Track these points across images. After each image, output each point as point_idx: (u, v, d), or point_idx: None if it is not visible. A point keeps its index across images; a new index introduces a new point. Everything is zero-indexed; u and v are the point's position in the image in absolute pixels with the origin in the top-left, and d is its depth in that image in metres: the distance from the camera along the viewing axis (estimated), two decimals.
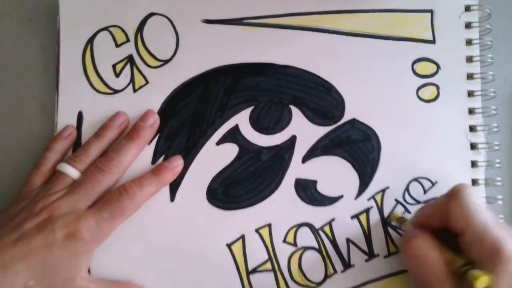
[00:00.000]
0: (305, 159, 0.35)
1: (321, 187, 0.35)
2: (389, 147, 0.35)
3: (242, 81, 0.36)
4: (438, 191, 0.34)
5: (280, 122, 0.36)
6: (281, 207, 0.35)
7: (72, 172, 0.33)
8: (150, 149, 0.35)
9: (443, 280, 0.28)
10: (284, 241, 0.35)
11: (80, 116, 0.36)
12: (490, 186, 0.35)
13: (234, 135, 0.36)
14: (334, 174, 0.35)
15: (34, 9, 0.38)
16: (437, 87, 0.36)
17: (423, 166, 0.35)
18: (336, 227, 0.35)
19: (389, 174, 0.35)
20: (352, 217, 0.35)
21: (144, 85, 0.36)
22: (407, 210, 0.35)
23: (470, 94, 0.36)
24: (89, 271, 0.33)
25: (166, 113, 0.36)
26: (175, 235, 0.34)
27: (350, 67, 0.36)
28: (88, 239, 0.31)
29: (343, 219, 0.35)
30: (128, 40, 0.37)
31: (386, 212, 0.35)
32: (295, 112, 0.36)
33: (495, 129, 0.36)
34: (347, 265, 0.34)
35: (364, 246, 0.34)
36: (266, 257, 0.34)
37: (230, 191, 0.35)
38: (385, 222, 0.35)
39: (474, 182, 0.35)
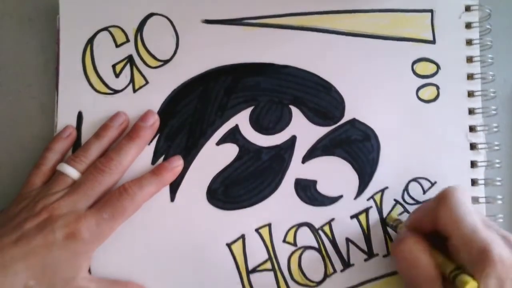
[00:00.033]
0: (305, 159, 0.35)
1: (321, 187, 0.35)
2: (389, 147, 0.35)
3: (242, 81, 0.36)
4: (438, 191, 0.34)
5: (280, 122, 0.36)
6: (281, 207, 0.35)
7: (72, 172, 0.33)
8: (150, 149, 0.35)
9: (432, 284, 0.28)
10: (284, 240, 0.35)
11: (80, 116, 0.36)
12: (490, 186, 0.35)
13: (234, 135, 0.36)
14: (334, 174, 0.35)
15: (34, 9, 0.38)
16: (437, 87, 0.36)
17: (423, 166, 0.35)
18: (336, 227, 0.35)
19: (389, 174, 0.35)
20: (352, 217, 0.35)
21: (144, 85, 0.36)
22: (406, 210, 0.35)
23: (470, 94, 0.36)
24: (89, 271, 0.33)
25: (166, 113, 0.36)
26: (175, 235, 0.34)
27: (350, 67, 0.36)
28: (88, 239, 0.31)
29: (343, 219, 0.35)
30: (128, 40, 0.37)
31: (385, 212, 0.35)
32: (295, 112, 0.36)
33: (495, 129, 0.36)
34: (346, 264, 0.34)
35: (363, 246, 0.35)
36: (266, 256, 0.34)
37: (230, 191, 0.35)
38: (384, 222, 0.35)
39: (474, 182, 0.35)
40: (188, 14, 0.37)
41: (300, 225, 0.35)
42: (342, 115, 0.36)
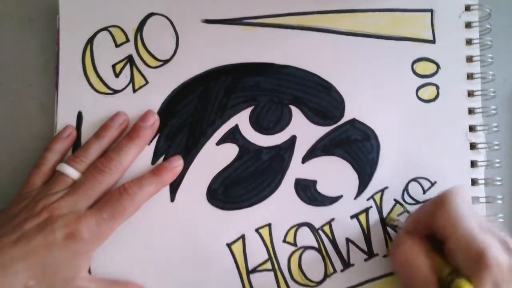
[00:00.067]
0: (305, 159, 0.35)
1: (320, 187, 0.35)
2: (389, 147, 0.35)
3: (242, 81, 0.36)
4: (438, 191, 0.34)
5: (280, 122, 0.36)
6: (281, 207, 0.35)
7: (72, 172, 0.33)
8: (150, 149, 0.35)
9: (428, 286, 0.27)
10: (284, 240, 0.35)
11: (79, 116, 0.36)
12: (490, 186, 0.35)
13: (234, 135, 0.36)
14: (334, 174, 0.35)
15: (34, 9, 0.38)
16: (437, 87, 0.36)
17: (423, 166, 0.35)
18: (336, 227, 0.35)
19: (389, 174, 0.35)
20: (352, 217, 0.35)
21: (144, 85, 0.36)
22: (406, 210, 0.35)
23: (470, 94, 0.36)
24: (89, 271, 0.33)
25: (166, 113, 0.36)
26: (175, 235, 0.34)
27: (350, 67, 0.36)
28: (88, 239, 0.31)
29: (343, 219, 0.35)
30: (128, 40, 0.37)
31: (385, 212, 0.35)
32: (295, 112, 0.36)
33: (495, 129, 0.36)
34: (346, 264, 0.34)
35: (363, 246, 0.35)
36: (266, 256, 0.34)
37: (230, 191, 0.35)
38: (384, 222, 0.35)
39: (474, 182, 0.35)
40: (188, 14, 0.37)
41: (300, 225, 0.35)
42: (342, 115, 0.36)
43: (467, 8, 0.37)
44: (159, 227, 0.34)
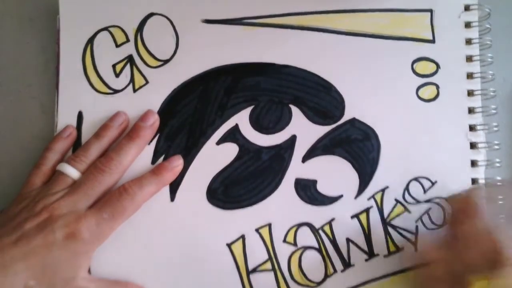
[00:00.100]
0: (305, 158, 0.35)
1: (321, 187, 0.35)
2: (389, 146, 0.35)
3: (242, 81, 0.36)
4: (438, 191, 0.34)
5: (280, 121, 0.36)
6: (281, 206, 0.35)
7: (72, 172, 0.33)
8: (150, 149, 0.35)
9: (442, 281, 0.28)
10: (284, 240, 0.35)
11: (80, 116, 0.36)
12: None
13: (234, 135, 0.36)
14: (334, 173, 0.35)
15: (34, 9, 0.38)
16: (437, 87, 0.36)
17: (423, 166, 0.35)
18: (336, 227, 0.35)
19: (389, 174, 0.35)
20: (352, 217, 0.35)
21: (144, 85, 0.36)
22: (407, 210, 0.35)
23: (470, 93, 0.36)
24: (89, 271, 0.33)
25: (166, 113, 0.36)
26: (175, 235, 0.34)
27: (350, 67, 0.36)
28: (88, 239, 0.31)
29: (343, 218, 0.35)
30: (128, 40, 0.37)
31: (386, 212, 0.35)
32: (295, 111, 0.36)
33: (495, 129, 0.36)
34: (347, 264, 0.34)
35: (364, 246, 0.34)
36: (266, 256, 0.34)
37: (230, 191, 0.35)
38: (385, 221, 0.35)
39: (474, 181, 0.35)
40: (188, 14, 0.37)
41: (300, 225, 0.35)
42: (342, 114, 0.36)
43: (467, 8, 0.37)
44: (159, 227, 0.34)
